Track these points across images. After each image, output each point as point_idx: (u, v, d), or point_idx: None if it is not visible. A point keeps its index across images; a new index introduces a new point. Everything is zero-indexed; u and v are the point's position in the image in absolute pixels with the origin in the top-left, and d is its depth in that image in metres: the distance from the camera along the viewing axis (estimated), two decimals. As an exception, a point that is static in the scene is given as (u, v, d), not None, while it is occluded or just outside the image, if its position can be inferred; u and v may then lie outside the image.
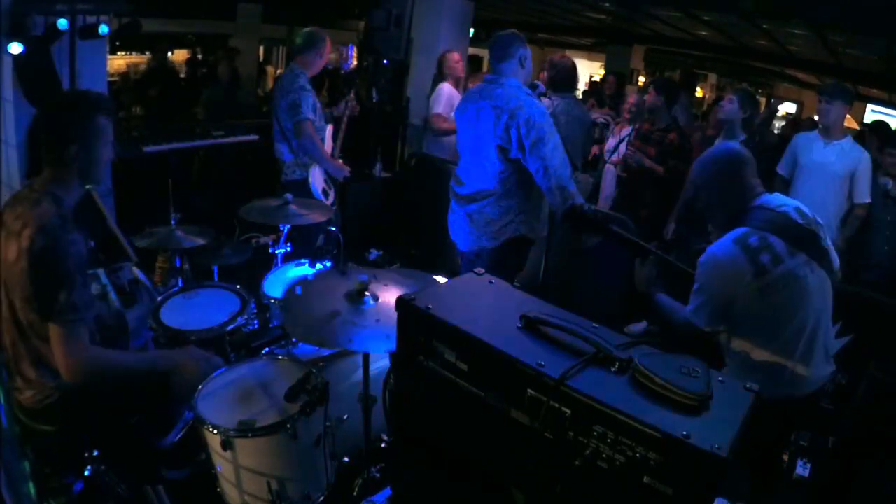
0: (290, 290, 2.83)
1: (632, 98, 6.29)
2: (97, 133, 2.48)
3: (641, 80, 16.07)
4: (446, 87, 6.28)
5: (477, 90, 3.85)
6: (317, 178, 4.81)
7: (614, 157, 6.11)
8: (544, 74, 5.47)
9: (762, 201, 2.67)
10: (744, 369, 2.68)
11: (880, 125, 6.73)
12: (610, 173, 6.24)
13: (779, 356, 2.64)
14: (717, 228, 2.78)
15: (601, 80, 9.23)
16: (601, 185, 6.29)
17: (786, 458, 3.71)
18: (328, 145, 4.99)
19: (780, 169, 5.15)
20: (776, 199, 2.70)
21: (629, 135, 5.97)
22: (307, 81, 4.72)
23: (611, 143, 6.39)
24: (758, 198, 2.69)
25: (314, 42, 4.77)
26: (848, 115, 5.20)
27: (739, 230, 2.57)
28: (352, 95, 5.35)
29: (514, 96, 3.61)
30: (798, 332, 2.63)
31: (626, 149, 5.63)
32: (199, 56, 11.60)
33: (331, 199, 4.96)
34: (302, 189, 4.74)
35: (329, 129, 5.05)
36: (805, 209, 2.72)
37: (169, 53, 11.41)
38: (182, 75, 10.77)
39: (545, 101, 5.22)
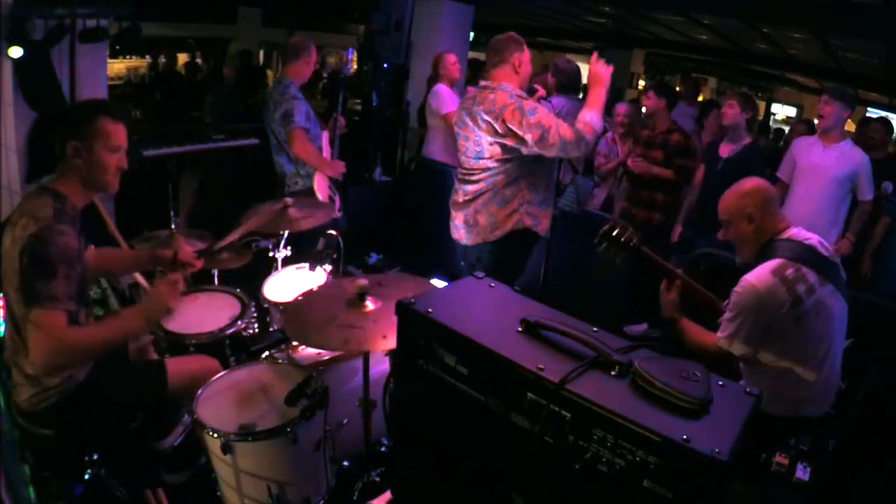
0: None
1: (622, 108, 6.16)
2: (98, 134, 2.49)
3: (641, 83, 16.09)
4: (443, 88, 6.23)
5: (471, 96, 3.87)
6: (320, 186, 4.81)
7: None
8: (550, 78, 5.52)
9: (790, 234, 2.78)
10: (766, 391, 2.75)
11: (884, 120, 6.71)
12: (626, 192, 6.19)
13: (803, 381, 2.75)
14: (746, 259, 2.89)
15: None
16: (615, 196, 6.19)
17: (786, 461, 3.71)
18: (326, 151, 4.98)
19: (780, 173, 5.14)
20: (801, 232, 2.81)
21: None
22: (298, 90, 4.73)
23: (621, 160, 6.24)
24: (786, 230, 2.80)
25: (299, 51, 4.78)
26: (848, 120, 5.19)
27: (775, 261, 2.66)
28: (337, 113, 5.25)
29: (505, 102, 3.63)
30: (824, 357, 2.76)
31: (630, 160, 5.60)
32: (199, 60, 11.61)
33: (337, 205, 4.95)
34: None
35: (325, 135, 5.03)
36: (826, 243, 2.84)
37: (169, 57, 11.43)
38: (181, 79, 10.77)
39: (552, 101, 5.32)
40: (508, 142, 3.62)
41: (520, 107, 3.60)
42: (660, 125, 5.54)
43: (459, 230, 4.02)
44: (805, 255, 2.69)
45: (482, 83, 3.86)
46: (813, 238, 2.79)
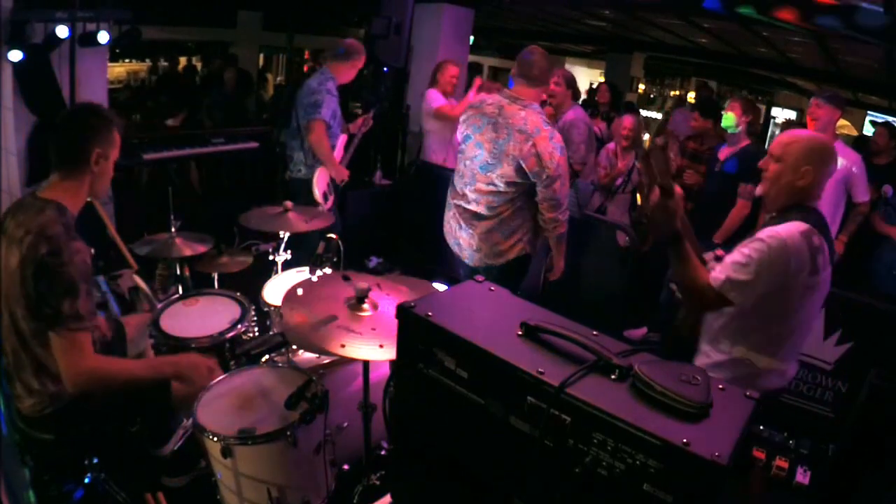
0: (291, 292, 2.83)
1: (628, 122, 6.16)
2: (115, 143, 2.55)
3: (641, 87, 16.10)
4: (432, 92, 6.28)
5: (496, 104, 3.74)
6: (320, 180, 4.89)
7: (628, 188, 6.12)
8: (558, 89, 5.54)
9: (819, 206, 2.66)
10: (732, 360, 2.68)
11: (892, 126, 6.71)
12: (623, 203, 6.22)
13: (780, 354, 2.66)
14: (772, 210, 2.71)
15: (594, 89, 9.14)
16: (608, 208, 6.22)
17: (786, 465, 3.72)
18: (338, 154, 5.06)
19: None
20: (822, 209, 2.69)
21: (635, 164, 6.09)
22: (335, 87, 4.88)
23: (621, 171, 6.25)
24: (817, 200, 2.67)
25: (350, 54, 4.96)
26: (848, 123, 5.22)
27: (804, 225, 2.49)
28: (371, 114, 5.44)
29: (538, 125, 3.60)
30: (803, 335, 2.71)
31: (686, 174, 5.75)
32: (197, 64, 11.62)
33: (329, 203, 5.01)
34: (304, 188, 4.90)
35: (343, 138, 5.12)
36: None
37: (169, 61, 11.45)
38: (180, 82, 10.79)
39: (570, 113, 5.43)
40: (529, 165, 3.59)
41: (552, 137, 3.60)
42: (707, 142, 5.77)
43: (463, 251, 4.02)
44: (826, 231, 2.57)
45: (508, 92, 3.77)
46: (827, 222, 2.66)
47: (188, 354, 2.89)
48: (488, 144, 3.70)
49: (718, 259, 2.71)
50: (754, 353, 2.66)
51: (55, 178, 2.50)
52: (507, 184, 3.69)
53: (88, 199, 2.63)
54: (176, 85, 10.41)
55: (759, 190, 2.74)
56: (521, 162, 3.59)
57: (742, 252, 2.50)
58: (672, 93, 16.90)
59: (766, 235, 2.48)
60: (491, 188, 3.75)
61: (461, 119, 3.96)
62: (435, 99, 6.22)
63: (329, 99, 4.76)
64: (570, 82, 5.68)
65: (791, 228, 2.48)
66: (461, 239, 3.99)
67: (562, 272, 4.07)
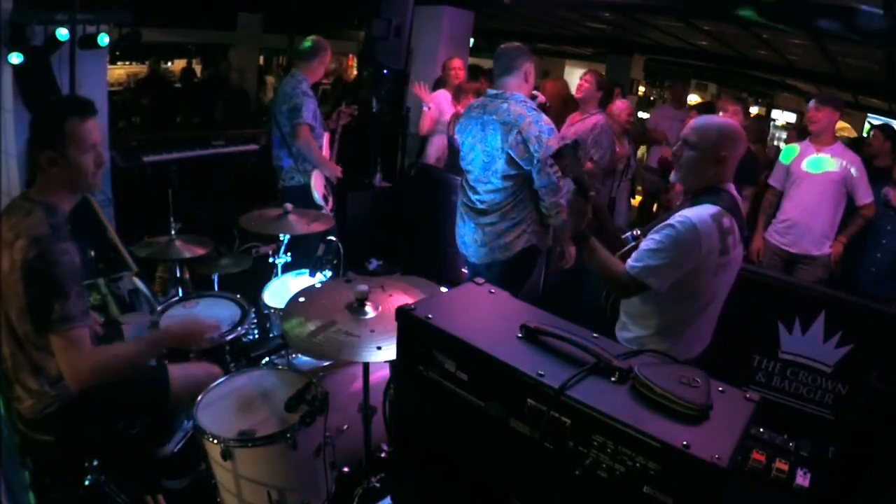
0: (293, 300, 2.83)
1: (626, 105, 6.13)
2: (70, 138, 2.39)
3: (641, 89, 16.08)
4: (440, 93, 6.33)
5: (480, 105, 3.84)
6: (318, 184, 4.88)
7: (629, 174, 6.14)
8: (591, 87, 5.48)
9: (729, 186, 2.73)
10: (650, 336, 2.78)
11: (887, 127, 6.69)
12: (625, 190, 6.26)
13: (692, 329, 2.76)
14: (686, 188, 2.80)
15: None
16: (617, 201, 6.24)
17: (786, 467, 3.72)
18: (325, 152, 5.05)
19: (772, 180, 5.18)
20: (733, 188, 2.75)
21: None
22: (309, 87, 4.83)
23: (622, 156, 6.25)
24: (729, 181, 2.74)
25: (316, 50, 4.89)
26: (847, 125, 5.22)
27: (715, 208, 2.57)
28: (343, 107, 5.40)
29: (521, 112, 3.62)
30: (714, 312, 2.78)
31: None
32: (197, 66, 11.62)
33: (329, 205, 5.01)
34: (301, 195, 4.82)
35: (326, 137, 5.11)
36: None
37: (169, 63, 11.45)
38: (179, 85, 10.80)
39: (594, 115, 5.44)
40: (519, 154, 3.61)
41: (538, 121, 3.61)
42: None
43: (468, 247, 4.03)
44: (737, 211, 2.66)
45: (491, 91, 3.82)
46: (739, 198, 2.76)
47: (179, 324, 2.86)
48: (480, 145, 3.78)
49: (636, 239, 2.85)
50: (668, 328, 2.75)
51: (38, 179, 2.47)
52: (504, 178, 3.72)
53: (87, 197, 2.61)
54: (172, 87, 10.45)
55: (673, 177, 2.81)
56: (511, 152, 3.63)
57: (654, 238, 2.58)
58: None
59: (676, 221, 2.55)
60: (490, 186, 3.79)
61: (456, 129, 4.06)
62: (440, 103, 6.34)
63: (307, 101, 4.71)
64: (602, 84, 5.55)
65: (701, 212, 2.55)
66: (466, 236, 4.02)
67: (574, 259, 4.03)
